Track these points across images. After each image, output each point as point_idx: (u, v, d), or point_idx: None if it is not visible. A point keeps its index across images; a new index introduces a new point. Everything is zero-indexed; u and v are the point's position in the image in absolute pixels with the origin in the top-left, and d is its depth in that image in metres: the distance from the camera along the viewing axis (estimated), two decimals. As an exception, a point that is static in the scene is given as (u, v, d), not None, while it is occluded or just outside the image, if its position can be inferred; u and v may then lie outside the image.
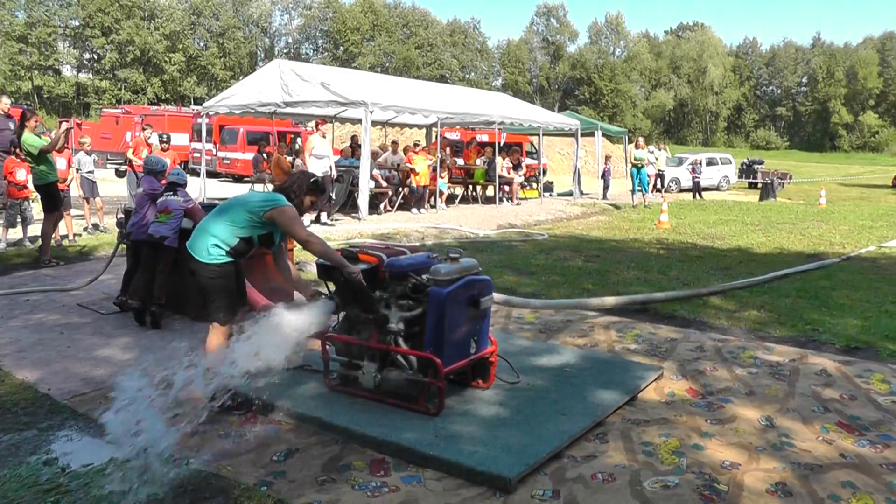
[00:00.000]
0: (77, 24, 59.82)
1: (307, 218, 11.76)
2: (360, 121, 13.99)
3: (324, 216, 12.70)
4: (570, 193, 21.31)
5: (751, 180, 31.23)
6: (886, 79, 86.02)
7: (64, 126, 9.65)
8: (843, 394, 4.69)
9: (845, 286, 8.34)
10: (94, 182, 11.51)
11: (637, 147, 18.59)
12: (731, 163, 30.61)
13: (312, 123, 13.53)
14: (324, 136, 13.06)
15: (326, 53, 77.19)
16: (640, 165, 18.48)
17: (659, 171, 22.59)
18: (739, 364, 5.30)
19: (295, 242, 5.20)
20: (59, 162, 10.08)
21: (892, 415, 4.34)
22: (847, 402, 4.54)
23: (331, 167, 12.83)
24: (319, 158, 12.56)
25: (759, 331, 6.32)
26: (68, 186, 10.60)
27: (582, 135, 21.52)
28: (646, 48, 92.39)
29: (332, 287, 4.22)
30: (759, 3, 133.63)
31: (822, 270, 9.44)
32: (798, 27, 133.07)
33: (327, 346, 4.37)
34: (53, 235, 9.24)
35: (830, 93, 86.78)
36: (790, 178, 32.12)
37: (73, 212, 11.42)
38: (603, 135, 24.01)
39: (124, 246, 6.78)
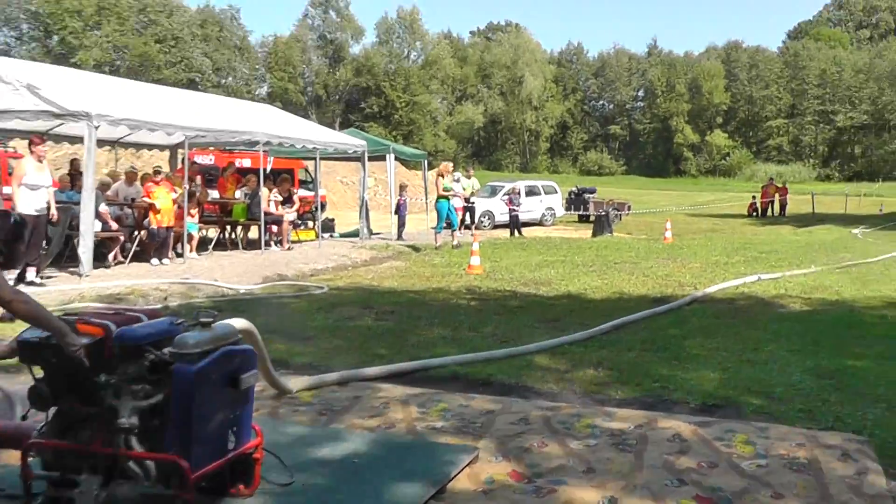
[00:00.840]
0: None
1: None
2: (81, 139, 13.28)
3: (30, 272, 11.97)
4: (356, 234, 21.44)
5: (581, 212, 33.65)
6: (734, 93, 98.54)
7: None
8: (700, 461, 4.96)
9: (699, 333, 9.04)
10: None
11: (442, 174, 19.26)
12: (556, 192, 32.79)
13: (25, 142, 12.93)
14: (40, 160, 12.44)
15: (35, 45, 72.55)
16: (448, 197, 19.13)
17: (468, 202, 23.51)
18: (574, 435, 5.45)
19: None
20: None
21: (758, 482, 4.65)
22: (706, 471, 4.80)
23: (49, 202, 12.40)
24: (33, 189, 12.05)
25: (598, 393, 6.61)
26: None
27: (370, 158, 21.85)
28: (448, 52, 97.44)
29: (40, 372, 3.96)
30: (583, 2, 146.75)
31: (670, 316, 10.20)
32: (630, 32, 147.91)
33: (29, 458, 3.98)
34: None
35: (672, 108, 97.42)
36: (629, 208, 35.09)
37: None
38: (396, 159, 24.59)
39: None
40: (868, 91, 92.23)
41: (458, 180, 22.34)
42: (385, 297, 11.69)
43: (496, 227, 27.95)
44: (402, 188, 23.32)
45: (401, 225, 22.03)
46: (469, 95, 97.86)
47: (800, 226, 32.97)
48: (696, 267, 16.03)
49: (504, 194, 28.54)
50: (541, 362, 7.64)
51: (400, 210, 22.34)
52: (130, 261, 14.77)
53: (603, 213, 27.28)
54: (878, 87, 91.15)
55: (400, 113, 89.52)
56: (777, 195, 41.52)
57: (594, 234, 25.56)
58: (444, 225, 19.51)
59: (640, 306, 10.87)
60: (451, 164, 20.48)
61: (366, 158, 21.20)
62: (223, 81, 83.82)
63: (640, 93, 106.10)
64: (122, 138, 17.71)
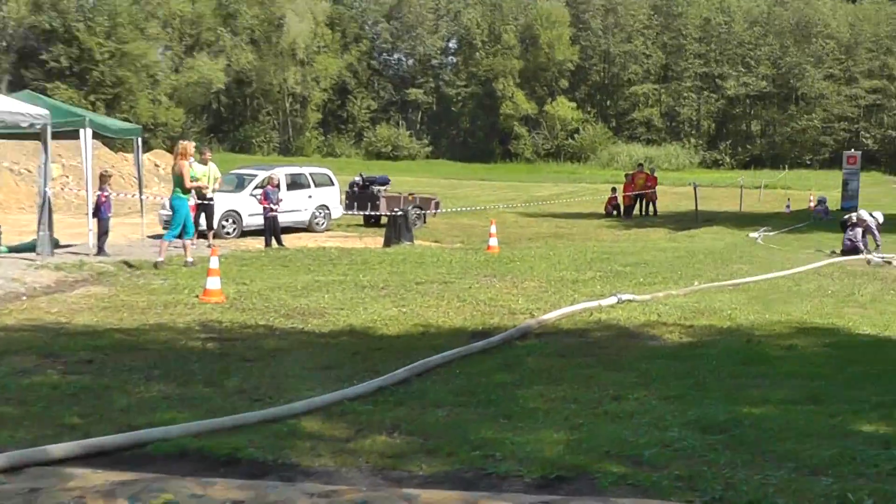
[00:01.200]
0: None
1: None
2: None
3: None
4: (32, 247, 20.63)
5: (369, 212, 33.85)
6: (585, 48, 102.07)
7: None
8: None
9: (538, 379, 9.25)
10: None
11: (183, 155, 19.42)
12: (332, 183, 32.87)
13: None
14: None
15: None
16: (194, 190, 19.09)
17: (204, 199, 23.15)
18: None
19: None
20: None
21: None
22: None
23: None
24: None
25: (394, 469, 6.59)
26: None
27: (56, 135, 21.21)
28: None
29: None
30: None
31: (497, 357, 10.38)
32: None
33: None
34: None
35: (497, 67, 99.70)
36: (437, 206, 35.60)
37: None
38: (96, 136, 23.95)
39: None
40: (767, 50, 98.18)
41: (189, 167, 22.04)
42: (79, 341, 11.40)
43: (245, 233, 27.75)
44: (104, 179, 22.71)
45: (102, 233, 21.53)
46: (205, 44, 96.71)
47: (678, 228, 34.64)
48: (532, 287, 16.45)
49: (257, 187, 28.31)
50: (311, 428, 7.59)
51: (101, 211, 21.81)
52: None
53: (399, 214, 27.52)
54: (781, 45, 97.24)
55: (101, 68, 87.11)
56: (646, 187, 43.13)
57: (387, 243, 25.77)
58: (180, 232, 19.26)
59: (454, 343, 10.99)
60: (192, 144, 20.16)
61: (48, 135, 20.40)
62: None
63: (452, 43, 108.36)
64: None
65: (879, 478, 6.34)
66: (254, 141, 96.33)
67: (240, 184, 29.68)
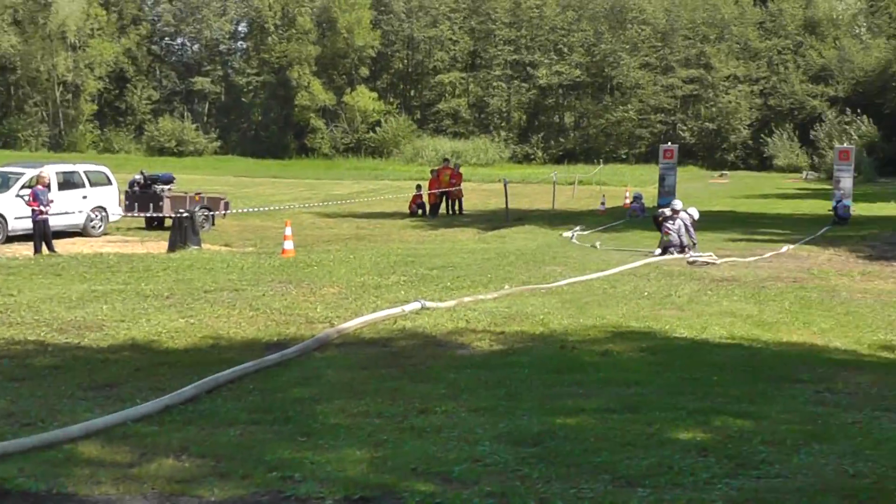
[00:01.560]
0: None
1: None
2: None
3: None
4: None
5: (151, 214, 33.28)
6: (387, 32, 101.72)
7: None
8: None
9: (338, 393, 9.32)
10: None
11: None
12: (109, 182, 32.22)
13: None
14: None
15: None
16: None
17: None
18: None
19: None
20: None
21: None
22: None
23: None
24: None
25: (183, 495, 6.58)
26: None
27: None
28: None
29: None
30: None
31: (293, 370, 10.42)
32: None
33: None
34: None
35: (292, 53, 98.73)
36: (227, 206, 35.18)
37: None
38: None
39: None
40: (580, 36, 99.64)
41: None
42: None
43: (11, 239, 27.15)
44: None
45: None
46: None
47: (488, 228, 34.93)
48: (332, 293, 16.50)
49: (24, 187, 27.56)
50: (90, 453, 7.49)
51: None
52: None
53: (185, 215, 27.16)
54: (595, 32, 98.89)
55: None
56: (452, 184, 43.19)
57: (171, 248, 25.43)
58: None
59: (247, 356, 10.99)
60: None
61: None
62: None
63: (242, 27, 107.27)
64: None
65: (696, 487, 6.62)
66: (20, 135, 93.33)
67: (4, 183, 28.82)
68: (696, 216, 25.59)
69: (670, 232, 24.27)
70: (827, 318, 14.96)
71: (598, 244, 26.67)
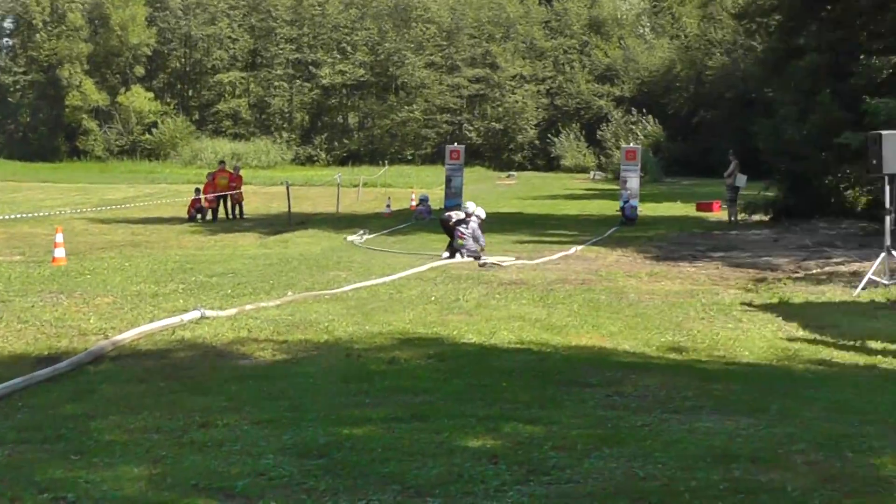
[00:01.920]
0: None
1: None
2: None
3: None
4: None
5: None
6: (163, 30, 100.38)
7: None
8: None
9: (114, 408, 9.17)
10: None
11: None
12: None
13: None
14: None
15: None
16: None
17: None
18: None
19: None
20: None
21: None
22: None
23: None
24: None
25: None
26: None
27: None
28: None
29: None
30: None
31: (66, 384, 10.24)
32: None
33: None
34: None
35: (62, 51, 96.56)
36: (-11, 213, 34.21)
37: None
38: None
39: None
40: (364, 35, 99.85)
41: None
42: None
43: None
44: None
45: None
46: None
47: (270, 233, 34.76)
48: (106, 303, 16.23)
49: None
50: None
51: None
52: None
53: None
54: (379, 30, 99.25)
55: None
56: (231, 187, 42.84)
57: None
58: None
59: (15, 372, 10.71)
60: None
61: None
62: None
63: (8, 23, 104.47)
64: None
65: (487, 494, 6.71)
66: None
67: None
68: (483, 216, 25.78)
69: (464, 236, 24.45)
70: (615, 320, 15.37)
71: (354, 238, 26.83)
